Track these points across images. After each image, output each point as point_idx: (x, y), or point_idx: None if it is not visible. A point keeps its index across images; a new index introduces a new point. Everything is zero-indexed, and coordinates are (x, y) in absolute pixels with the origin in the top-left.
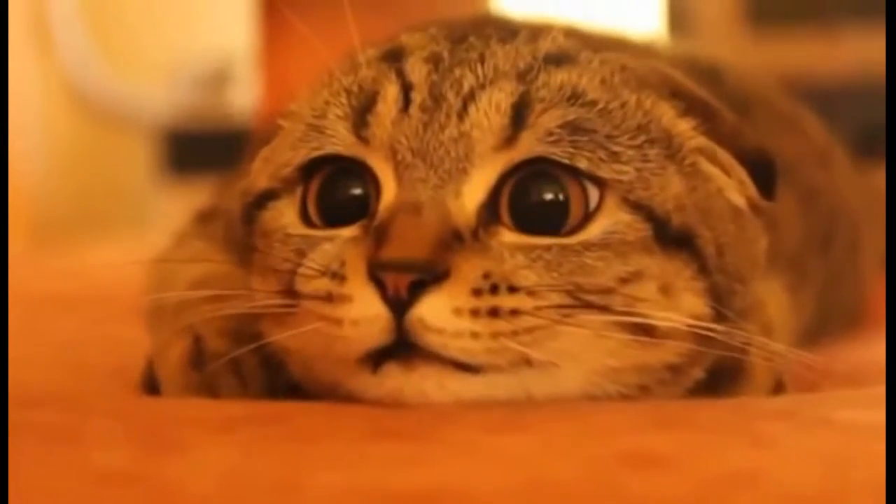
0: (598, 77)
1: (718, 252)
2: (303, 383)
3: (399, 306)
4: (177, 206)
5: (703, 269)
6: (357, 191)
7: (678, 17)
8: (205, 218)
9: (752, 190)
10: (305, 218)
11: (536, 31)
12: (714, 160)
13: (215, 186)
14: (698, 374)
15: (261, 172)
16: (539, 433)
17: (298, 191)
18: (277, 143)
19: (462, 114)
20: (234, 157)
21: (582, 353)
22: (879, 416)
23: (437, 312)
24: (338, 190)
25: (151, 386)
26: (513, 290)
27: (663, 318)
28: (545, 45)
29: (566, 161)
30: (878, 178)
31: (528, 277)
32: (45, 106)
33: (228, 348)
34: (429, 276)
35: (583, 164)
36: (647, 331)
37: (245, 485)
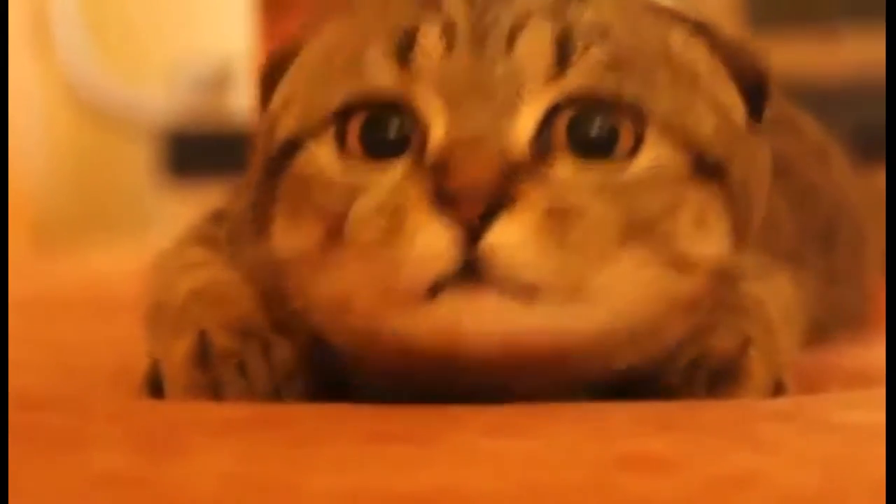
0: (618, 10)
1: (743, 183)
2: (329, 338)
3: (470, 233)
4: (177, 207)
5: (729, 201)
6: (400, 129)
7: None
8: (209, 223)
9: (742, 109)
10: (347, 158)
11: None
12: (718, 78)
13: (224, 191)
14: (705, 314)
15: (280, 117)
16: (539, 436)
17: (331, 131)
18: (302, 83)
19: (508, 50)
20: (236, 159)
21: (623, 285)
22: (880, 417)
23: (509, 237)
24: (379, 129)
25: (155, 386)
26: (580, 220)
27: (699, 251)
28: None
29: (613, 93)
30: (878, 179)
31: (593, 209)
32: (46, 108)
33: (234, 345)
34: (499, 202)
35: (628, 95)
36: (679, 263)
37: (246, 488)
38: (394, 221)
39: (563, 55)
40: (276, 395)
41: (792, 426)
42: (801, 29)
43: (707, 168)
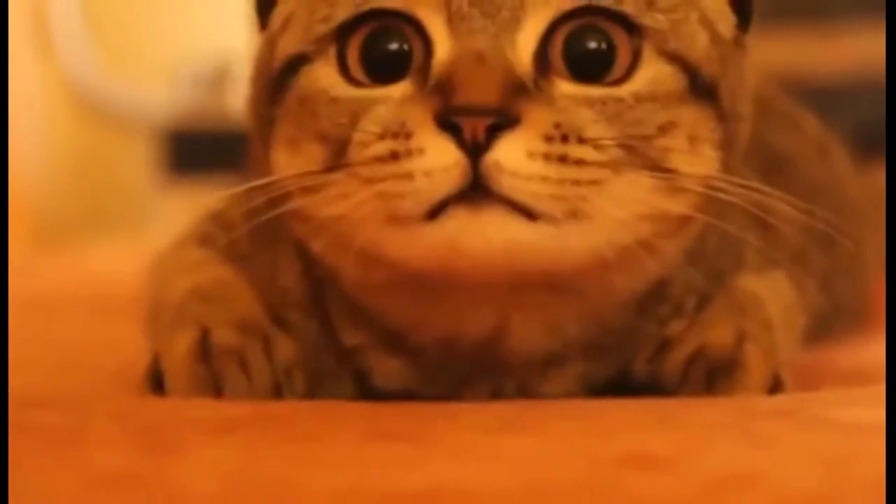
0: None
1: (732, 99)
2: (331, 261)
3: (475, 151)
4: (177, 206)
5: (720, 119)
6: (403, 45)
7: None
8: (208, 222)
9: (730, 19)
10: (348, 77)
11: None
12: None
13: (222, 191)
14: (696, 229)
15: (284, 35)
16: (538, 433)
17: (332, 50)
18: (301, 2)
19: None
20: (235, 157)
21: (622, 203)
22: (880, 415)
23: (512, 155)
24: (381, 46)
25: (157, 381)
26: (581, 140)
27: (691, 171)
28: None
29: (613, 7)
30: (877, 176)
31: (593, 129)
32: (46, 107)
33: (235, 341)
34: (504, 121)
35: (629, 10)
36: (673, 181)
37: (246, 486)
38: (399, 142)
39: None
40: (277, 391)
41: (791, 423)
42: (801, 25)
43: (701, 86)
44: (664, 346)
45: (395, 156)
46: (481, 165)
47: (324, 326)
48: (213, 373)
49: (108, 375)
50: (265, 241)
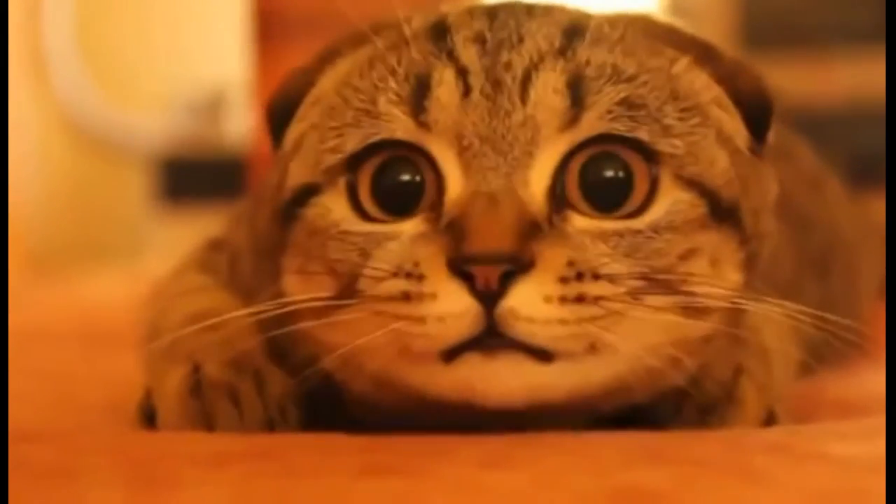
0: (623, 48)
1: (754, 218)
2: (341, 381)
3: (489, 299)
4: (172, 234)
5: (743, 241)
6: (413, 179)
7: None
8: (212, 247)
9: (745, 134)
10: (359, 211)
11: (548, 6)
12: (721, 105)
13: (223, 219)
14: (722, 343)
15: (295, 159)
16: (531, 468)
17: (342, 181)
18: (313, 126)
19: (524, 97)
20: (230, 185)
21: (642, 333)
22: (875, 448)
23: (528, 301)
24: (393, 179)
25: (149, 416)
26: (597, 277)
27: (714, 292)
28: (563, 19)
29: (629, 135)
30: (872, 206)
31: (609, 265)
32: (41, 136)
33: (227, 377)
34: (517, 267)
35: (644, 137)
36: (695, 306)
37: None
38: (412, 283)
39: (577, 98)
40: (269, 425)
41: (785, 458)
42: (795, 53)
43: (722, 210)
44: None
45: (407, 297)
46: (496, 313)
47: None
48: (204, 408)
49: (100, 409)
50: (269, 277)
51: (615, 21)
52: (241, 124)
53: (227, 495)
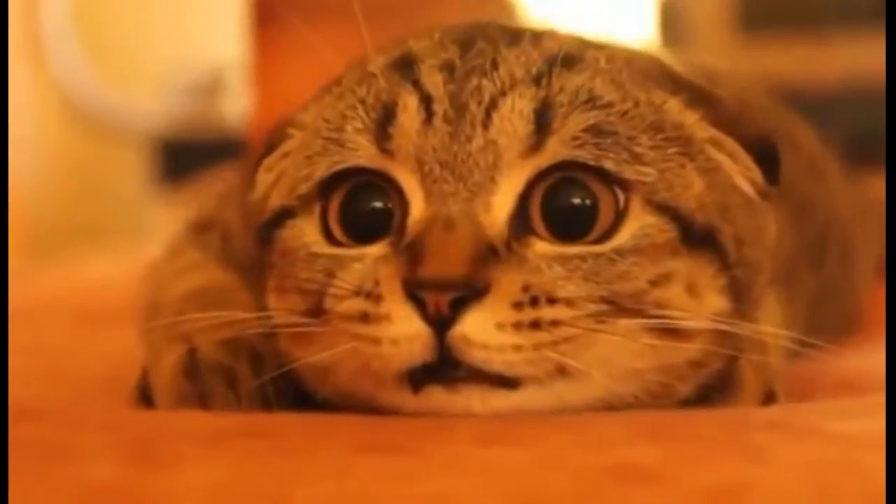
0: (608, 77)
1: (738, 246)
2: (328, 398)
3: (440, 324)
4: (170, 215)
5: (724, 266)
6: (381, 205)
7: (670, 24)
8: (200, 228)
9: (758, 175)
10: (329, 235)
11: (539, 34)
12: (721, 148)
13: (209, 196)
14: (717, 366)
15: (273, 188)
16: (529, 446)
17: (316, 207)
18: (290, 157)
19: (486, 122)
20: (227, 165)
21: (614, 358)
22: (873, 425)
23: (480, 328)
24: (361, 205)
25: (146, 396)
26: (552, 301)
27: (690, 318)
28: (553, 47)
29: (593, 163)
30: (870, 186)
31: (566, 288)
32: (39, 117)
33: (224, 358)
34: (469, 293)
35: (609, 166)
36: (674, 332)
37: (235, 499)
38: (370, 303)
39: (542, 123)
40: (265, 406)
41: (785, 435)
42: (793, 35)
43: (696, 236)
44: None
45: (365, 317)
46: (449, 338)
47: None
48: (200, 389)
49: (97, 386)
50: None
51: (614, 55)
52: (240, 105)
53: (225, 473)
